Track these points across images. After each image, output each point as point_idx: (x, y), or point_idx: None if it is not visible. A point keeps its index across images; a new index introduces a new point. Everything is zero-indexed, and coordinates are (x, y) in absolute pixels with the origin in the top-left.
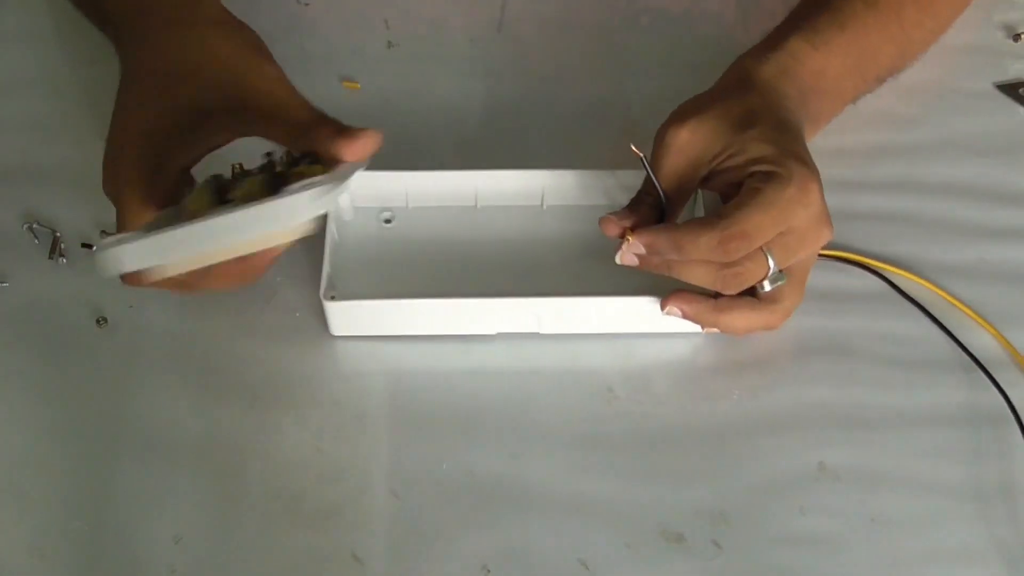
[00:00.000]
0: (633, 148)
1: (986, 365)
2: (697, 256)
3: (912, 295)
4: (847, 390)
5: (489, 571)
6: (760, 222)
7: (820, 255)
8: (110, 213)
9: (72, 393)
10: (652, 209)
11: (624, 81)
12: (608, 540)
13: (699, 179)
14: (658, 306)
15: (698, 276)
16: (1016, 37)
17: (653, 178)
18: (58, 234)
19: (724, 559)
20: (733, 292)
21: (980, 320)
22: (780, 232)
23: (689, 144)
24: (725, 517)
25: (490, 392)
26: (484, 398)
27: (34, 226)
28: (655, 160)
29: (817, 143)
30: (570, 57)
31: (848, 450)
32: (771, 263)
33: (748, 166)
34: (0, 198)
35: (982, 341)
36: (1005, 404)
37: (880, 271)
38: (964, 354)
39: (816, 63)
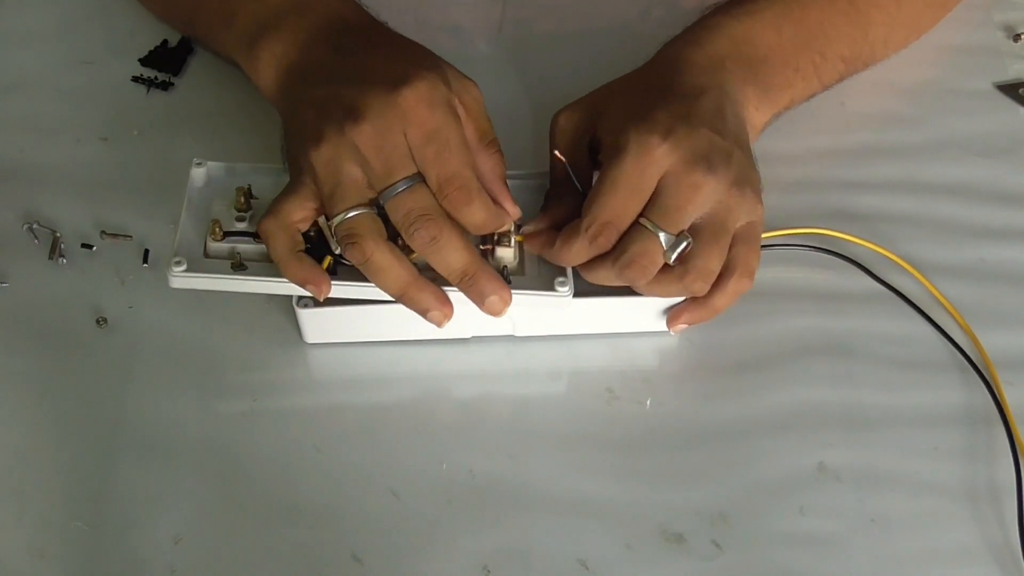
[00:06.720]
0: (556, 153)
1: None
2: (581, 261)
3: (910, 295)
4: (847, 390)
5: (489, 571)
6: (614, 205)
7: (811, 248)
8: (110, 213)
9: (72, 393)
10: (561, 205)
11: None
12: (608, 540)
13: (585, 158)
14: (608, 309)
15: (602, 278)
16: (1016, 37)
17: (574, 179)
18: (58, 234)
19: (724, 559)
20: (643, 280)
21: (960, 319)
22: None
23: (565, 126)
24: (725, 517)
25: (490, 392)
26: (484, 399)
27: (34, 226)
28: (551, 144)
29: (817, 143)
30: (570, 56)
31: (848, 450)
32: (660, 235)
33: (604, 138)
34: (0, 198)
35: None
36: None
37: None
38: (961, 355)
39: (736, 31)
